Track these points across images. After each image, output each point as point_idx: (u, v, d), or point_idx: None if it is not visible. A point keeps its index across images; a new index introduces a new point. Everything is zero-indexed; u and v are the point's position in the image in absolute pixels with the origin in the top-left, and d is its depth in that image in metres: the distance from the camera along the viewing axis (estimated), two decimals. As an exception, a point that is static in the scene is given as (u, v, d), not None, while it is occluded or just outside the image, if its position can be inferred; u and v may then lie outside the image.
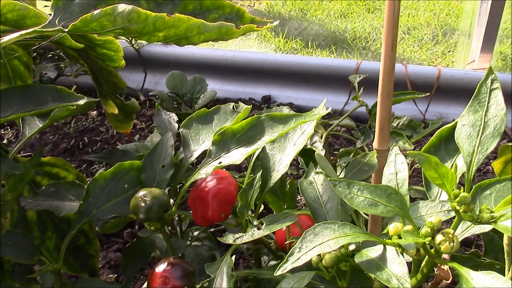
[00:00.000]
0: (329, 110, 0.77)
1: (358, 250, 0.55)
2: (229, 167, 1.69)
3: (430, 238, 0.45)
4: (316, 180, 0.68)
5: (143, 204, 0.72)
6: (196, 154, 0.80)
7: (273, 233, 0.83)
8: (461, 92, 1.89)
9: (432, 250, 0.47)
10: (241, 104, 0.88)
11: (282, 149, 0.78)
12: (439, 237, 0.45)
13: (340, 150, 1.26)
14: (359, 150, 1.23)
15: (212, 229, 1.25)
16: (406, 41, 3.44)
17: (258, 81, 2.12)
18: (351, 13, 3.80)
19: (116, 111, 1.04)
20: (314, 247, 0.50)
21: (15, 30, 0.78)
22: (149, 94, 2.05)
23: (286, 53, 3.15)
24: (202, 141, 0.82)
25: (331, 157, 1.32)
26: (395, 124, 1.18)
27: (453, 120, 1.87)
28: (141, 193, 0.73)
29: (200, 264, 0.87)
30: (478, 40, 2.04)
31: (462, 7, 3.71)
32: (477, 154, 0.46)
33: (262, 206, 0.92)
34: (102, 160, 1.08)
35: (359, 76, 1.28)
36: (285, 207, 0.89)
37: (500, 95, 0.47)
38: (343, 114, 2.03)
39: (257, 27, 0.70)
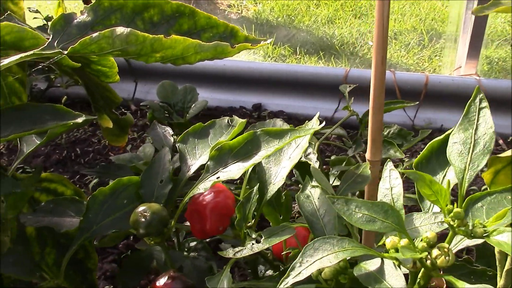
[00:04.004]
0: (323, 124, 0.80)
1: (355, 262, 0.57)
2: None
3: (426, 253, 0.47)
4: (313, 194, 0.70)
5: (143, 220, 0.73)
6: (193, 169, 0.81)
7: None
8: (448, 98, 1.92)
9: (429, 263, 0.49)
10: (235, 118, 0.90)
11: (278, 162, 0.80)
12: (435, 252, 0.47)
13: (332, 158, 1.28)
14: (351, 159, 1.25)
15: (207, 239, 1.26)
16: (393, 46, 3.48)
17: (248, 89, 2.14)
18: (338, 19, 3.84)
19: (111, 125, 1.05)
20: (314, 262, 0.52)
21: (12, 52, 0.79)
22: (140, 104, 2.06)
23: (275, 60, 3.18)
24: (199, 156, 0.83)
25: (324, 166, 1.34)
26: (385, 133, 1.21)
27: (441, 125, 1.92)
28: (141, 208, 0.75)
29: (199, 276, 0.88)
30: (464, 46, 2.08)
31: (447, 12, 3.77)
32: (468, 171, 0.48)
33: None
34: (97, 174, 1.09)
35: (349, 86, 1.30)
36: (281, 218, 0.91)
37: (488, 114, 0.49)
38: (334, 121, 2.05)
39: (251, 45, 0.71)
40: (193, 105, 1.93)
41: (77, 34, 0.68)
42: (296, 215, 1.50)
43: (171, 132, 0.99)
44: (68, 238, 0.92)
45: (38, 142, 0.90)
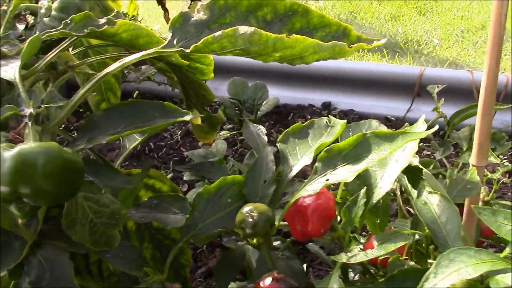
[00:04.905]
0: (435, 128, 0.77)
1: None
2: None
3: None
4: (431, 200, 0.67)
5: (250, 220, 0.73)
6: (295, 170, 0.80)
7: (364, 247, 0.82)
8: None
9: None
10: (332, 118, 0.88)
11: (383, 165, 0.78)
12: None
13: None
14: (438, 163, 1.21)
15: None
16: (460, 45, 3.37)
17: (317, 87, 2.12)
18: (402, 16, 3.75)
19: (200, 122, 1.06)
20: (451, 273, 0.50)
21: (128, 49, 0.81)
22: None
23: (339, 57, 3.13)
24: (300, 156, 0.82)
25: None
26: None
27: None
28: (247, 208, 0.74)
29: (293, 278, 0.87)
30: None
31: (519, 9, 3.59)
32: None
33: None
34: (191, 171, 1.10)
35: (437, 87, 1.26)
36: (378, 221, 0.89)
37: None
38: (405, 121, 2.00)
39: (366, 45, 0.70)
40: (264, 102, 1.93)
41: (195, 33, 0.68)
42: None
43: (264, 130, 0.98)
44: (164, 233, 0.93)
45: (139, 139, 0.92)
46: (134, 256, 0.75)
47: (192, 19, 0.69)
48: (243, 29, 0.61)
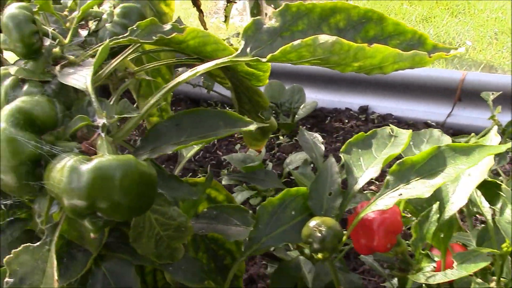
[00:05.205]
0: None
1: None
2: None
3: None
4: (516, 219, 0.64)
5: (318, 234, 0.70)
6: (361, 182, 0.77)
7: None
8: None
9: None
10: (395, 128, 0.85)
11: (455, 180, 0.75)
12: None
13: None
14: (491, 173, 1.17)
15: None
16: (494, 47, 3.30)
17: (355, 90, 2.08)
18: (434, 17, 3.69)
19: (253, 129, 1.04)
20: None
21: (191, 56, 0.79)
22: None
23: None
24: (365, 167, 0.79)
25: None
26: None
27: None
28: (314, 222, 0.72)
29: (354, 292, 0.84)
30: None
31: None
32: None
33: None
34: (245, 180, 1.08)
35: (492, 93, 1.22)
36: (442, 236, 0.85)
37: None
38: (445, 127, 1.96)
39: (445, 54, 0.66)
40: (302, 106, 1.90)
41: (268, 41, 0.65)
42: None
43: (320, 139, 0.95)
44: (218, 243, 0.91)
45: (196, 146, 0.90)
46: (196, 269, 0.73)
47: (264, 26, 0.66)
48: (324, 38, 0.59)
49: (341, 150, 0.81)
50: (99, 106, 0.59)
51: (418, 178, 0.69)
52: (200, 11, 2.02)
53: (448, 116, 1.95)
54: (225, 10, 2.13)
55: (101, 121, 0.58)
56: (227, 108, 2.20)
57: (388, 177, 0.71)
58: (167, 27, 0.72)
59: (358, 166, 0.79)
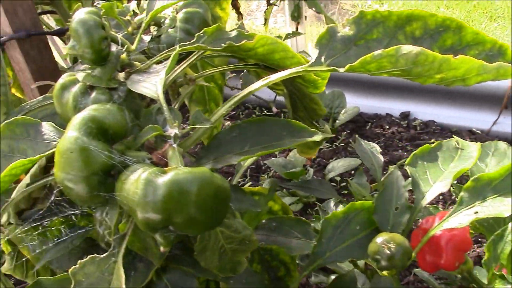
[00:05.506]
0: None
1: None
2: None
3: None
4: None
5: (387, 251, 0.67)
6: (429, 197, 0.74)
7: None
8: None
9: None
10: (460, 140, 0.82)
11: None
12: None
13: None
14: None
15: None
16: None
17: (395, 95, 2.04)
18: (472, 21, 3.60)
19: (306, 137, 1.01)
20: None
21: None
22: (283, 107, 2.03)
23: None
24: (432, 181, 0.76)
25: None
26: None
27: None
28: (382, 238, 0.69)
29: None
30: None
31: None
32: None
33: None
34: (299, 189, 1.06)
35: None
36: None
37: None
38: (490, 135, 1.90)
39: (528, 65, 0.63)
40: (343, 111, 1.87)
41: (342, 50, 0.63)
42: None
43: (378, 149, 0.92)
44: (272, 254, 0.89)
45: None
46: (256, 283, 0.71)
47: (338, 34, 0.63)
48: (407, 48, 0.56)
49: (406, 162, 0.78)
50: (170, 116, 0.58)
51: (495, 196, 0.66)
52: (239, 13, 2.01)
53: (493, 124, 1.90)
54: (265, 12, 2.11)
55: (172, 131, 0.57)
56: (265, 111, 2.18)
57: (462, 194, 0.68)
58: (233, 33, 0.70)
59: (424, 180, 0.76)
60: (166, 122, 0.58)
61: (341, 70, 0.58)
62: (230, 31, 0.71)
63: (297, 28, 2.19)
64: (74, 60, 1.11)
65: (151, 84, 0.61)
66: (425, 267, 0.76)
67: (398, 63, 0.57)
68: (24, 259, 0.93)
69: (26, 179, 0.68)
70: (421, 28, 0.65)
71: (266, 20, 2.07)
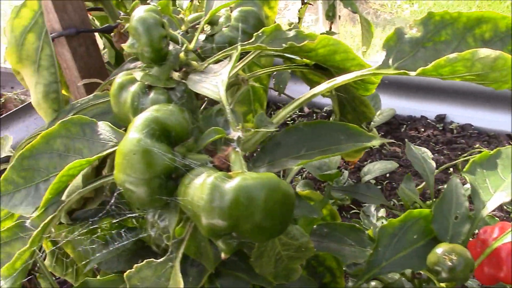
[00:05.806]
0: None
1: None
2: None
3: None
4: None
5: (448, 263, 0.65)
6: (490, 206, 0.71)
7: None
8: None
9: None
10: (520, 147, 0.79)
11: None
12: None
13: None
14: None
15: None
16: None
17: (431, 97, 2.00)
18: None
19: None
20: None
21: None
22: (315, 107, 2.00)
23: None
24: (492, 190, 0.73)
25: None
26: None
27: None
28: (442, 249, 0.66)
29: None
30: None
31: None
32: None
33: None
34: (347, 193, 1.03)
35: None
36: None
37: None
38: (530, 139, 1.85)
39: None
40: (378, 113, 1.83)
41: (410, 52, 0.60)
42: None
43: (430, 154, 0.90)
44: (319, 260, 0.86)
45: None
46: (308, 289, 0.69)
47: (406, 36, 0.61)
48: (484, 52, 0.53)
49: (464, 169, 0.76)
50: (233, 118, 0.56)
51: None
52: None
53: (534, 128, 1.85)
54: (299, 11, 2.08)
55: (236, 134, 0.55)
56: (296, 111, 2.15)
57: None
58: (291, 33, 0.68)
59: (484, 189, 0.73)
60: (228, 124, 0.56)
61: (412, 74, 0.56)
62: (286, 30, 0.70)
63: (330, 28, 2.16)
64: (116, 59, 1.10)
65: (211, 85, 0.59)
66: (482, 279, 0.73)
67: (473, 68, 0.54)
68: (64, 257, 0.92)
69: (78, 180, 0.67)
70: (491, 31, 0.62)
71: (300, 19, 2.04)
